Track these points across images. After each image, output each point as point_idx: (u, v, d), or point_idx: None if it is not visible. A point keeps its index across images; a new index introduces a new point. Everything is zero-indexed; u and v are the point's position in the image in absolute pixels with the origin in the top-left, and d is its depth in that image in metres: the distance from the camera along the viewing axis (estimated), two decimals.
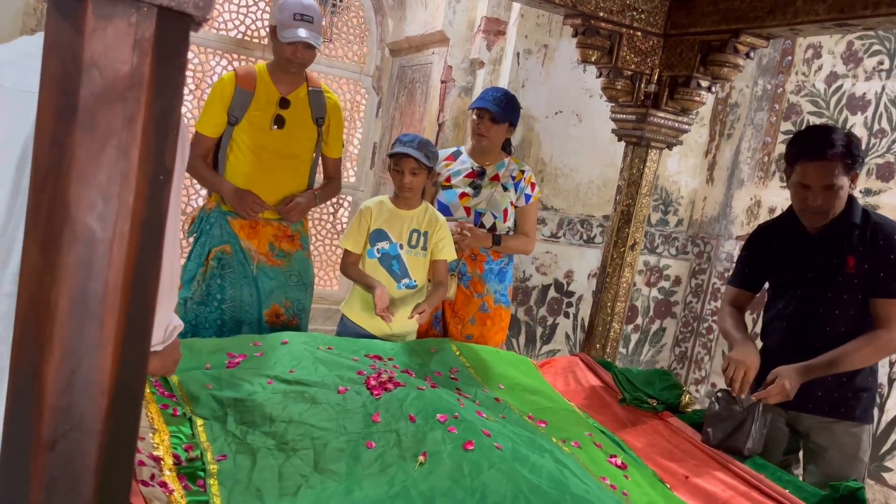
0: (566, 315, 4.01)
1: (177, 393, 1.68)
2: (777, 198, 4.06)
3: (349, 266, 2.44)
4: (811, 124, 2.11)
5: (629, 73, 2.32)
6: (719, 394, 2.04)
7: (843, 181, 1.89)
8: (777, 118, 4.12)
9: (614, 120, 2.48)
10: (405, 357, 2.12)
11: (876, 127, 3.58)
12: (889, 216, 3.45)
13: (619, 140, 2.50)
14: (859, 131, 3.66)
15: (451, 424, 1.60)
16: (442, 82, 3.90)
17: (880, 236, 1.94)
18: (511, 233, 2.63)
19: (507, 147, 2.66)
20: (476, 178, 2.59)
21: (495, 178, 2.61)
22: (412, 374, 1.97)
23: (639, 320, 4.34)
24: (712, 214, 4.38)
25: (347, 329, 2.42)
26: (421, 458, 1.48)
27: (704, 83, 2.23)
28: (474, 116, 2.55)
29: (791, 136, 2.13)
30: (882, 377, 3.26)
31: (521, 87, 3.64)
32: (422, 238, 2.47)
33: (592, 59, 2.31)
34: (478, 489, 1.40)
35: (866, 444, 2.01)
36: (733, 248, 4.29)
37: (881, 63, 3.59)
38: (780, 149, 4.09)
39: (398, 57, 4.69)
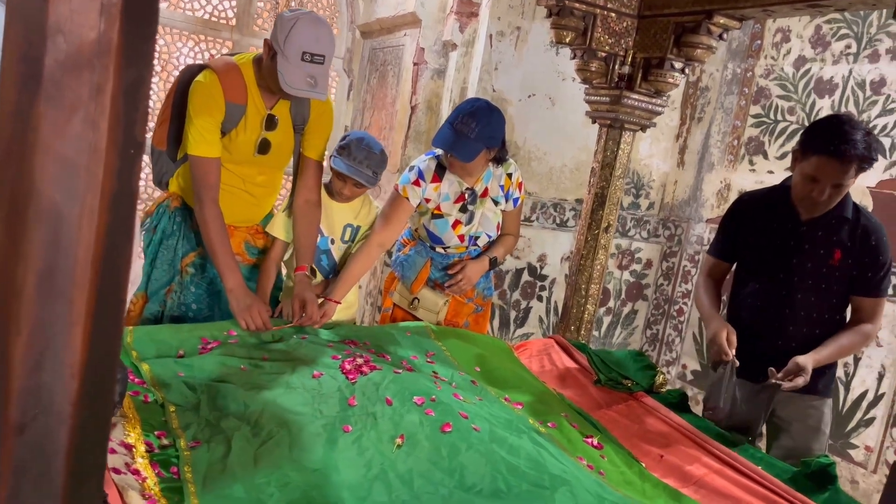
0: (539, 298, 4.02)
1: (146, 379, 1.65)
2: (746, 181, 4.10)
3: (272, 259, 2.31)
4: (833, 113, 2.09)
5: (603, 54, 2.31)
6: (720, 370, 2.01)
7: (852, 180, 1.90)
8: (747, 102, 4.16)
9: (588, 102, 2.48)
10: (381, 341, 2.10)
11: (842, 110, 3.62)
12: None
13: (594, 122, 2.50)
14: (826, 115, 3.71)
15: (428, 407, 1.59)
16: (414, 64, 3.86)
17: (872, 237, 1.97)
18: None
19: (496, 158, 2.36)
20: (465, 201, 2.38)
21: (484, 193, 2.41)
22: (388, 358, 1.96)
23: (611, 303, 4.37)
24: (683, 198, 4.42)
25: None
26: (398, 440, 1.48)
27: (678, 65, 2.23)
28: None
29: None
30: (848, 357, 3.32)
31: (494, 70, 3.62)
32: (354, 233, 2.43)
33: (567, 41, 2.30)
34: (456, 470, 1.40)
35: (828, 416, 2.09)
36: (704, 232, 4.34)
37: (848, 47, 3.63)
38: (750, 132, 4.13)
39: (369, 39, 4.64)
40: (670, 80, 2.25)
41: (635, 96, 2.33)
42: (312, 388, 1.64)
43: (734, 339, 2.00)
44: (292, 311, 2.15)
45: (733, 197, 4.19)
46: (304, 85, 1.93)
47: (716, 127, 4.32)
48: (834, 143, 1.83)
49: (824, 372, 2.03)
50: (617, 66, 2.32)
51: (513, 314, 3.96)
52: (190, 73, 2.10)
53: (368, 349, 2.01)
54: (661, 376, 2.19)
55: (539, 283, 4.00)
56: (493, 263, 2.48)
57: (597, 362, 2.23)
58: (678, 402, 2.08)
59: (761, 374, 2.01)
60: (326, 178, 2.47)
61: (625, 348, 4.50)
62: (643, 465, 1.78)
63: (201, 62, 2.15)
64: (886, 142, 3.42)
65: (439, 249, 2.48)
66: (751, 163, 4.09)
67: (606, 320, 4.39)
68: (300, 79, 1.92)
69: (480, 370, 2.09)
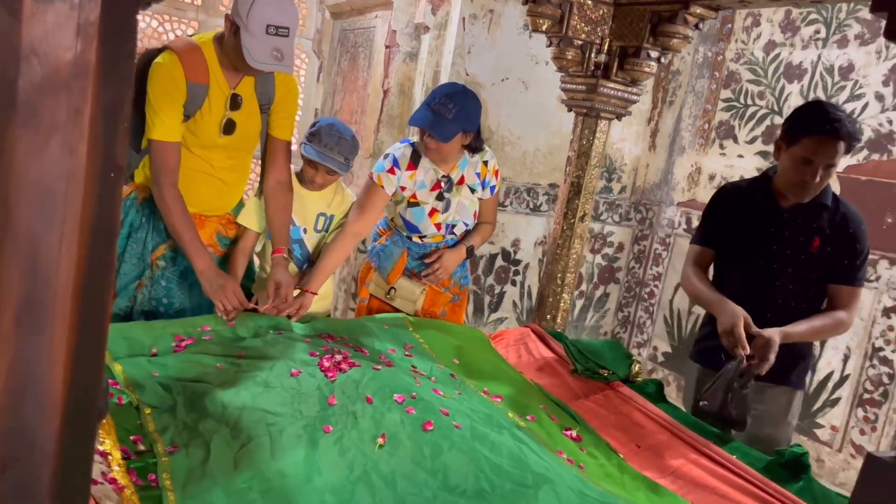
0: (513, 283, 4.03)
1: (120, 380, 1.61)
2: (716, 165, 4.14)
3: (241, 251, 2.27)
4: (817, 100, 2.13)
5: (579, 42, 2.29)
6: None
7: (840, 160, 1.93)
8: (717, 85, 4.18)
9: (564, 90, 2.46)
10: (358, 335, 2.08)
11: (811, 95, 3.66)
12: None
13: (569, 111, 2.49)
14: (795, 100, 3.75)
15: (408, 405, 1.58)
16: (386, 47, 3.80)
17: (851, 225, 1.99)
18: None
19: (472, 146, 2.36)
20: (442, 188, 2.37)
21: (461, 181, 2.41)
22: (366, 353, 1.94)
23: (583, 286, 4.40)
24: (654, 181, 4.45)
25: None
26: (380, 440, 1.46)
27: (654, 53, 2.22)
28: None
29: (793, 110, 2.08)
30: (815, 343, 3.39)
31: (468, 53, 3.58)
32: (328, 222, 2.40)
33: (543, 28, 2.28)
34: (439, 470, 1.40)
35: (796, 408, 2.11)
36: (675, 215, 4.37)
37: (818, 32, 3.66)
38: (721, 116, 4.16)
39: (340, 20, 4.55)
40: (646, 69, 2.25)
41: (611, 85, 2.32)
42: (291, 388, 1.62)
43: (753, 325, 1.90)
44: (267, 294, 2.12)
45: (704, 180, 4.23)
46: (270, 58, 1.88)
47: (687, 111, 4.34)
48: (825, 122, 1.87)
49: (797, 363, 2.06)
50: (593, 55, 2.31)
51: (487, 299, 3.97)
52: (148, 58, 2.03)
53: (346, 343, 1.99)
54: (638, 366, 2.21)
55: (513, 268, 4.00)
56: (470, 252, 2.48)
57: (573, 352, 2.24)
58: (655, 393, 2.10)
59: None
60: (298, 166, 2.43)
61: (597, 331, 4.54)
62: (621, 456, 1.80)
63: (159, 46, 2.08)
64: None
65: (416, 239, 2.46)
66: (721, 147, 4.12)
67: (579, 304, 4.42)
68: (266, 52, 1.87)
69: (459, 362, 2.09)
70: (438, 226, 2.41)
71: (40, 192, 0.57)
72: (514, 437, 1.57)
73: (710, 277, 2.20)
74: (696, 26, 2.13)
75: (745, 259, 2.09)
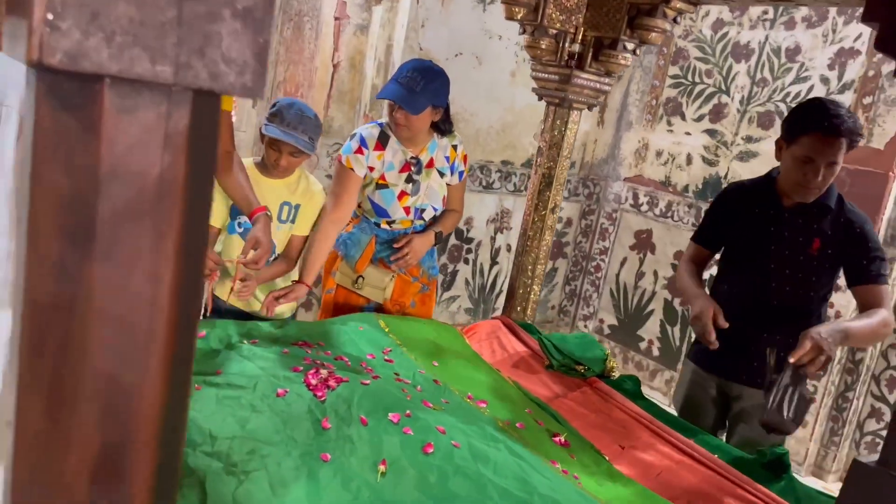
0: (466, 262, 4.01)
1: None
2: (664, 141, 4.19)
3: None
4: (816, 97, 2.01)
5: (554, 31, 2.23)
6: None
7: (842, 157, 1.87)
8: (665, 62, 4.20)
9: (535, 79, 2.40)
10: (335, 341, 2.01)
11: (758, 76, 3.73)
12: (768, 164, 3.68)
13: (540, 100, 2.44)
14: (742, 80, 3.81)
15: (405, 425, 1.54)
16: (336, 18, 3.63)
17: (856, 226, 1.93)
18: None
19: (441, 127, 2.34)
20: (411, 170, 2.32)
21: (430, 164, 2.36)
22: (347, 362, 1.87)
23: None
24: (602, 157, 4.47)
25: (220, 309, 2.26)
26: (381, 466, 1.42)
27: (630, 46, 2.19)
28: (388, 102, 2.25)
29: (792, 107, 2.03)
30: None
31: (421, 27, 3.47)
32: (293, 212, 2.31)
33: (518, 17, 2.20)
34: (446, 499, 1.36)
35: None
36: (621, 190, 4.42)
37: (766, 12, 3.71)
38: (668, 92, 4.19)
39: None
40: (622, 62, 2.21)
41: (585, 75, 2.28)
42: (281, 411, 1.54)
43: (721, 318, 1.91)
44: (243, 250, 2.03)
45: (651, 156, 4.28)
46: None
47: (634, 86, 4.36)
48: (824, 120, 1.83)
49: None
50: (567, 45, 2.25)
51: (440, 278, 3.93)
52: None
53: (324, 351, 1.92)
54: (612, 361, 2.23)
55: (465, 247, 3.97)
56: (439, 238, 2.44)
57: (549, 347, 2.23)
58: (632, 389, 2.12)
59: (730, 364, 2.05)
60: (258, 156, 2.31)
61: (545, 305, 4.59)
62: (606, 458, 1.81)
63: None
64: None
65: (384, 225, 2.40)
66: (669, 123, 4.17)
67: None
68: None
69: (438, 364, 2.05)
70: (408, 209, 2.36)
71: (121, 329, 0.48)
72: (511, 453, 1.55)
73: (715, 274, 2.19)
74: (675, 20, 2.10)
75: (744, 258, 2.07)
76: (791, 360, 1.70)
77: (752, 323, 2.00)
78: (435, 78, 2.20)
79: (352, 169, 2.27)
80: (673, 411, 2.20)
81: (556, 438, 1.80)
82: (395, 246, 2.37)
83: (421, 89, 2.16)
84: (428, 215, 2.41)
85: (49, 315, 0.47)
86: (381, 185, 2.32)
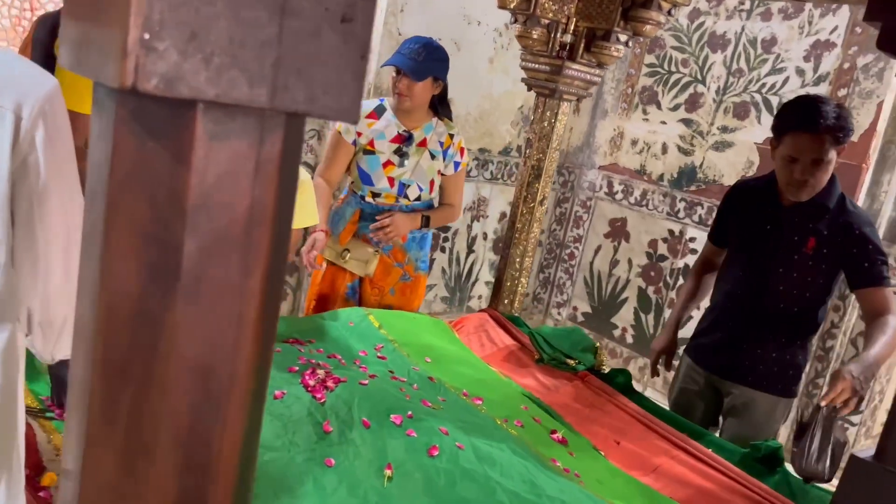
0: (442, 249, 3.97)
1: None
2: (639, 130, 4.20)
3: None
4: (803, 95, 1.97)
5: (546, 21, 2.20)
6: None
7: (832, 154, 1.84)
8: (641, 50, 4.20)
9: (525, 69, 2.37)
10: (327, 338, 1.97)
11: (734, 66, 3.76)
12: (743, 154, 3.72)
13: (529, 90, 2.41)
14: (718, 70, 3.83)
15: (407, 427, 1.51)
16: None
17: (855, 227, 1.89)
18: (436, 203, 2.47)
19: (438, 107, 2.41)
20: (403, 143, 2.35)
21: (422, 143, 2.38)
22: (341, 360, 1.84)
23: None
24: (577, 144, 4.47)
25: None
26: (387, 471, 1.39)
27: (623, 38, 2.17)
28: (393, 73, 2.29)
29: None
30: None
31: (400, 12, 3.39)
32: None
33: (511, 6, 2.17)
34: (457, 503, 1.34)
35: (780, 414, 2.07)
36: (596, 178, 4.43)
37: (742, 3, 3.73)
38: (644, 81, 4.20)
39: None
40: (615, 53, 2.20)
41: (576, 67, 2.26)
42: (280, 414, 1.50)
43: (671, 359, 2.14)
44: None
45: (626, 145, 4.29)
46: None
47: (610, 74, 4.35)
48: (806, 117, 1.82)
49: (787, 373, 2.02)
50: (559, 35, 2.22)
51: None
52: (47, 26, 1.74)
53: (317, 349, 1.88)
54: (602, 354, 2.23)
55: (443, 235, 3.94)
56: (426, 222, 2.41)
57: (539, 341, 2.22)
58: (624, 383, 2.12)
59: (725, 360, 2.07)
60: None
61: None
62: (602, 453, 1.82)
63: (55, 10, 1.78)
64: (774, 100, 3.60)
65: (369, 198, 2.41)
66: (644, 112, 4.18)
67: None
68: None
69: (431, 361, 2.02)
70: (392, 181, 2.37)
71: (200, 374, 0.44)
72: (515, 454, 1.54)
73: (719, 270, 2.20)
74: (669, 13, 2.08)
75: (743, 255, 2.06)
76: (823, 404, 1.65)
77: (747, 321, 2.01)
78: (437, 50, 2.32)
79: (340, 133, 2.37)
80: (664, 404, 2.21)
81: (554, 435, 1.80)
82: (377, 218, 2.37)
83: (423, 59, 2.26)
84: (412, 193, 2.40)
85: (126, 358, 0.43)
86: (369, 152, 2.37)
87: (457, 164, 2.43)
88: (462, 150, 2.44)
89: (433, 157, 2.39)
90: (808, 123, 1.81)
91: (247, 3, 0.38)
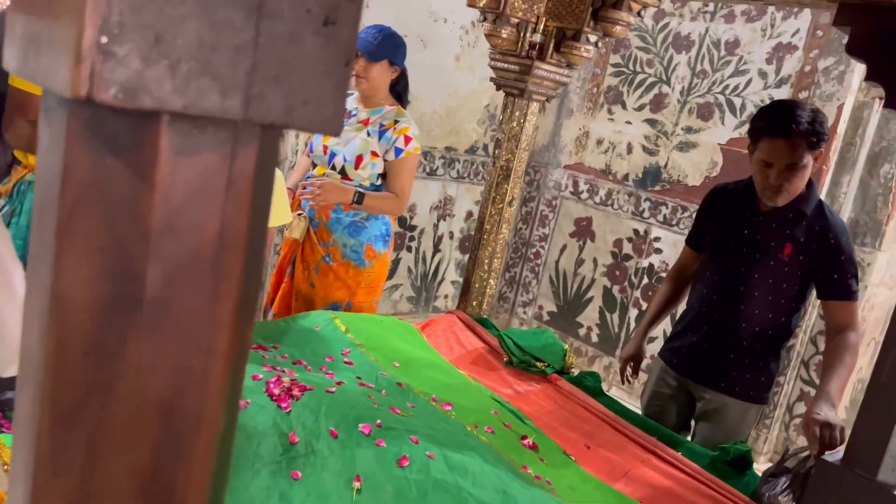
0: (409, 249, 3.93)
1: None
2: (604, 130, 4.21)
3: None
4: (778, 100, 1.96)
5: (516, 20, 2.17)
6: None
7: (807, 159, 1.83)
8: (607, 50, 4.21)
9: (494, 68, 2.34)
10: (291, 342, 1.91)
11: (699, 67, 3.79)
12: (706, 154, 3.75)
13: (498, 89, 2.38)
14: (683, 71, 3.86)
15: (377, 436, 1.47)
16: None
17: (831, 235, 1.88)
18: (374, 187, 2.43)
19: (396, 93, 2.47)
20: (347, 118, 2.41)
21: (365, 122, 2.41)
22: (307, 367, 1.79)
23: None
24: (542, 143, 4.46)
25: None
26: (356, 483, 1.35)
27: (593, 38, 2.15)
28: None
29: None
30: None
31: (366, 7, 3.34)
32: None
33: (480, 4, 2.13)
34: None
35: (751, 419, 2.08)
36: (562, 177, 4.43)
37: (706, 5, 3.76)
38: (609, 80, 4.21)
39: None
40: (584, 54, 2.18)
41: (546, 67, 2.23)
42: (244, 424, 1.44)
43: (638, 369, 2.23)
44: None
45: (591, 144, 4.30)
46: None
47: (575, 73, 4.34)
48: (779, 122, 1.81)
49: (759, 380, 2.02)
50: (528, 34, 2.20)
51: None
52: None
53: (282, 355, 1.82)
54: (571, 357, 2.21)
55: (409, 234, 3.90)
56: (358, 199, 2.35)
57: (509, 344, 2.20)
58: (594, 386, 2.11)
59: (698, 365, 2.07)
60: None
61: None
62: (573, 458, 1.80)
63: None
64: (737, 102, 3.63)
65: (312, 170, 2.53)
66: (609, 112, 4.19)
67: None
68: None
69: (399, 365, 1.98)
70: (325, 148, 2.43)
71: (167, 413, 0.40)
72: (487, 462, 1.51)
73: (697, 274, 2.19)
74: (639, 14, 2.07)
75: (719, 260, 2.05)
76: (816, 455, 1.61)
77: (721, 325, 2.00)
78: (392, 37, 2.39)
79: None
80: (635, 408, 2.21)
81: (525, 441, 1.77)
82: (308, 182, 2.42)
83: (378, 42, 2.33)
84: (338, 163, 2.39)
85: (80, 400, 0.39)
86: None
87: (398, 151, 2.37)
88: (407, 138, 2.37)
89: (369, 135, 2.40)
90: (782, 128, 1.81)
91: (219, 2, 0.34)
